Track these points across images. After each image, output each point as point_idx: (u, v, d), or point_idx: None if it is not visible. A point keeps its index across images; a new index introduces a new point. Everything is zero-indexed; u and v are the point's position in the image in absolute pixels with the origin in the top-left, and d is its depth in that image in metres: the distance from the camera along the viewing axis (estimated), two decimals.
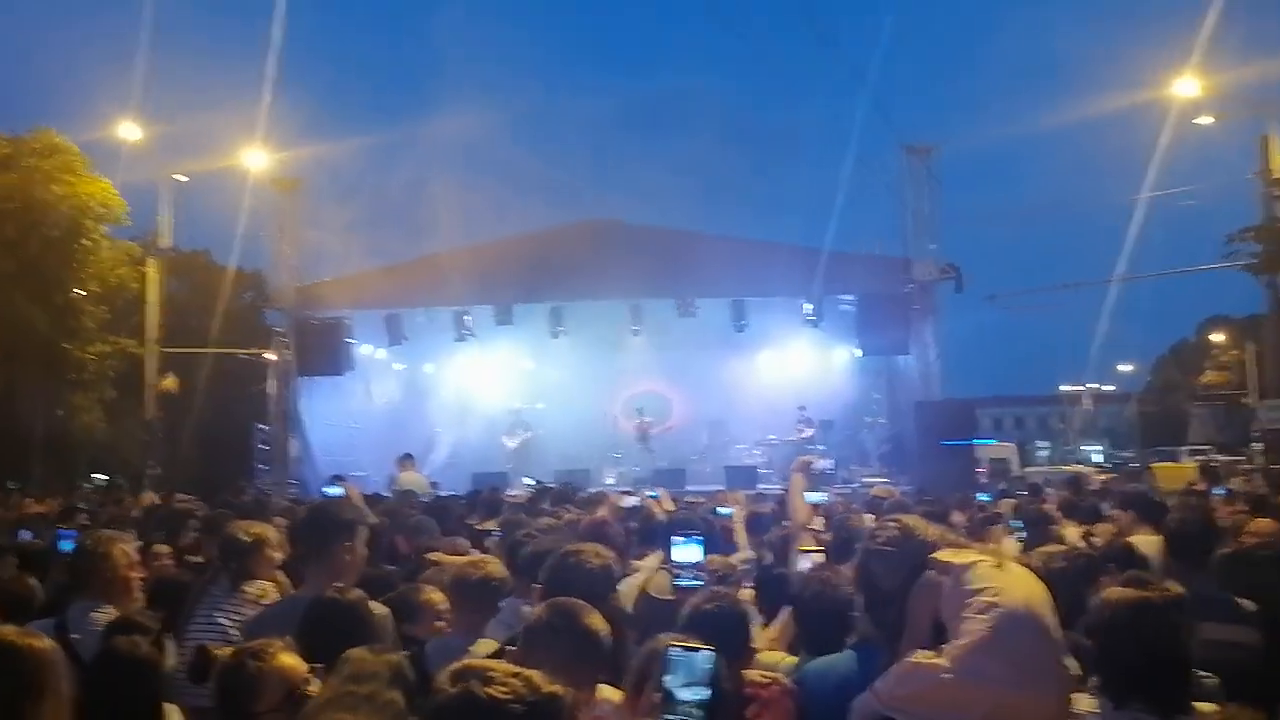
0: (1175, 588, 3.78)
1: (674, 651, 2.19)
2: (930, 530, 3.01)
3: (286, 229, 22.55)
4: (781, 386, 24.04)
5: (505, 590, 4.14)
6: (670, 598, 3.88)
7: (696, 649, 2.19)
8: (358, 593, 3.44)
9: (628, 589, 4.67)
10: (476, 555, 4.74)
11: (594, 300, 21.17)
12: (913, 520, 3.11)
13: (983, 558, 2.80)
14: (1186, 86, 22.54)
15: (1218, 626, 3.95)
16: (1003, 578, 2.71)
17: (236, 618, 4.11)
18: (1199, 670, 3.42)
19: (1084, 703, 2.86)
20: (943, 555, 2.81)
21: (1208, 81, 22.45)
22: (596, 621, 2.61)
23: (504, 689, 1.55)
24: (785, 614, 3.99)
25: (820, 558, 4.20)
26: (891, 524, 3.06)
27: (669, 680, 2.16)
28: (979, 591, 2.65)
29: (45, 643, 2.55)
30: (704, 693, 2.14)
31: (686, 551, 4.31)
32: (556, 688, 1.61)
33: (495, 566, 4.17)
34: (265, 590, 4.34)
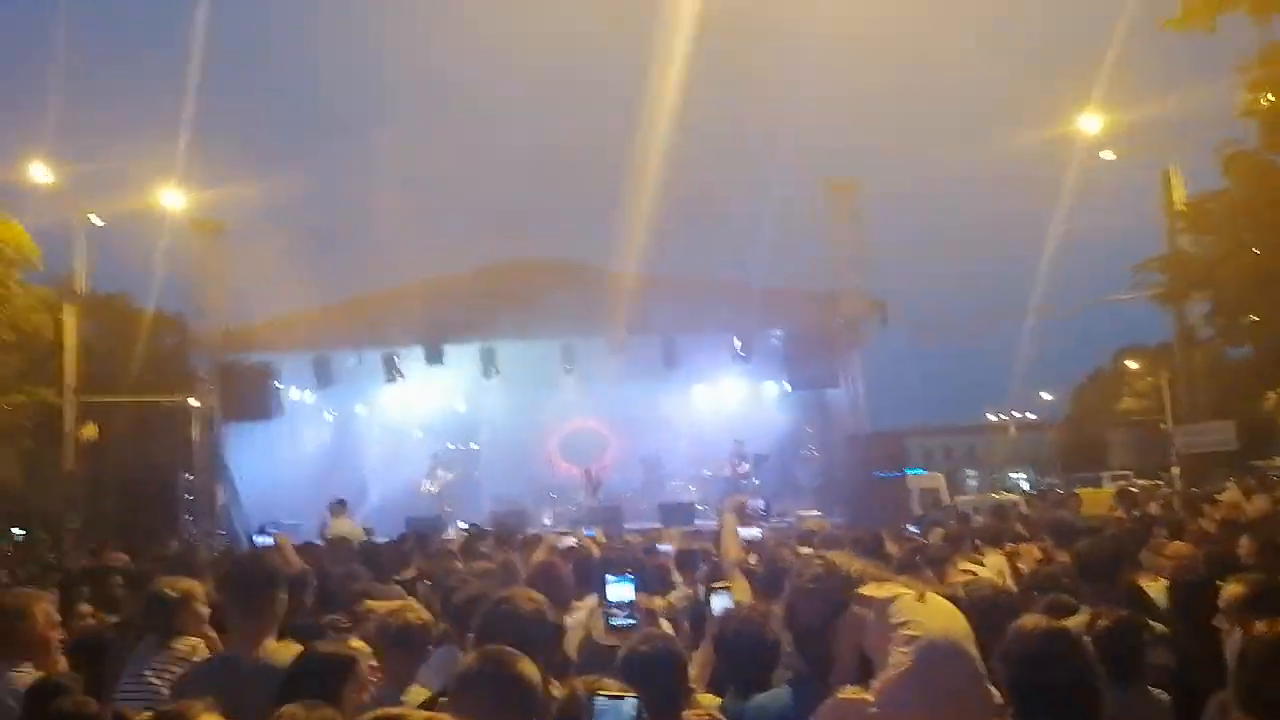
0: (1110, 613, 3.93)
1: (600, 701, 2.21)
2: (854, 565, 3.10)
3: (210, 271, 22.18)
4: (714, 422, 24.21)
5: (430, 636, 4.11)
6: (614, 643, 3.89)
7: (621, 696, 2.22)
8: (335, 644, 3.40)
9: (571, 636, 4.66)
10: (400, 602, 4.69)
11: (525, 339, 21.14)
12: (837, 556, 3.20)
13: (904, 591, 2.89)
14: (1090, 122, 23.46)
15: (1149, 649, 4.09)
16: (923, 610, 2.80)
17: (167, 676, 4.02)
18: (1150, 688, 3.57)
19: None
20: (866, 590, 2.90)
21: (1111, 118, 23.39)
22: (527, 669, 2.61)
23: None
24: (702, 650, 4.03)
25: (736, 595, 4.24)
26: (816, 561, 3.14)
27: None
28: (901, 625, 2.74)
29: None
30: None
31: (619, 590, 4.31)
32: None
33: (418, 613, 4.14)
34: (195, 647, 4.25)
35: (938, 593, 3.02)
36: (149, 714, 2.92)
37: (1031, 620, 3.10)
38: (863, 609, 2.83)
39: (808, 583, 3.05)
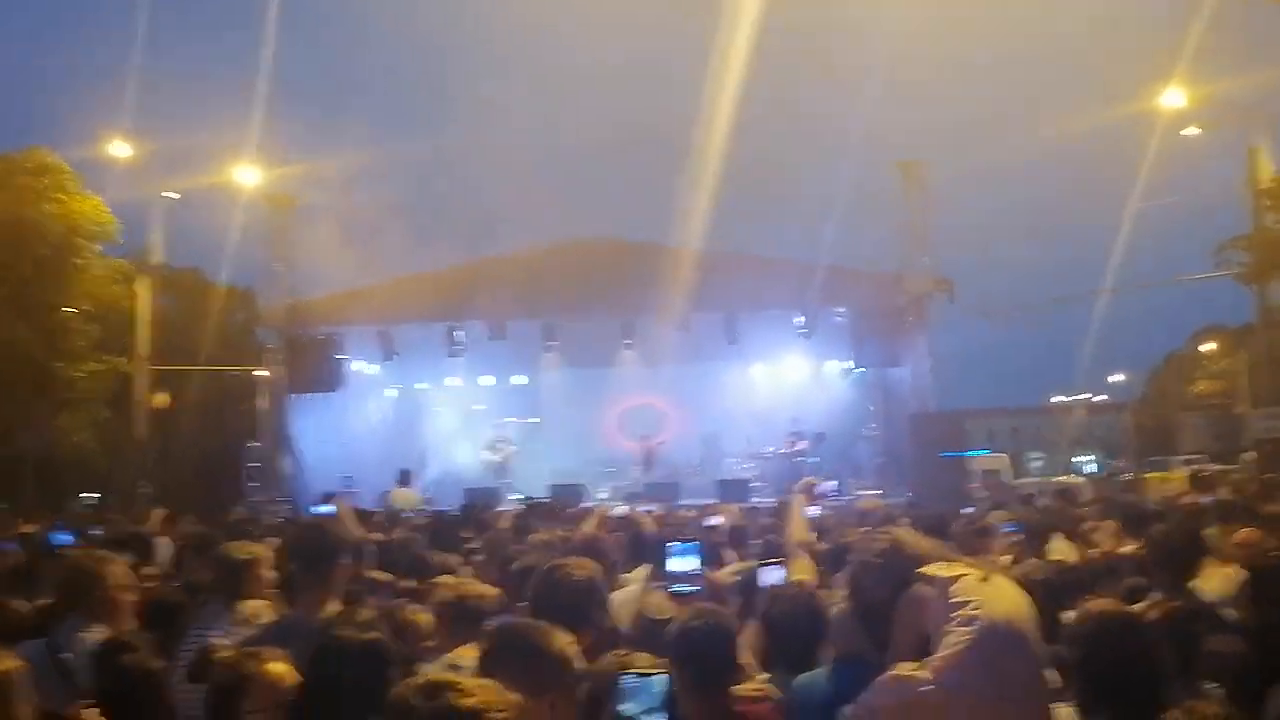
0: (1165, 601, 3.84)
1: (629, 678, 2.20)
2: (921, 543, 3.07)
3: (279, 246, 22.59)
4: (774, 400, 24.12)
5: (488, 609, 4.16)
6: (668, 617, 3.89)
7: (650, 674, 2.21)
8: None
9: (624, 609, 4.68)
10: (459, 576, 4.74)
11: (587, 316, 21.23)
12: (903, 533, 3.16)
13: (969, 571, 2.85)
14: (1173, 98, 22.73)
15: (1213, 638, 4.00)
16: (986, 591, 2.76)
17: (233, 637, 4.13)
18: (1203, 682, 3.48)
19: (1063, 713, 2.91)
20: (930, 569, 2.87)
21: (1194, 93, 22.64)
22: (549, 642, 2.57)
23: (476, 699, 1.59)
24: (752, 626, 4.03)
25: (798, 575, 4.22)
26: (882, 537, 3.12)
27: (626, 707, 2.18)
28: (963, 604, 2.71)
29: (7, 664, 2.59)
30: (661, 717, 2.16)
31: (682, 561, 4.32)
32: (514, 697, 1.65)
33: (475, 586, 4.18)
34: (259, 611, 4.35)
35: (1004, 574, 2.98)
36: (231, 651, 3.08)
37: (1099, 604, 3.04)
38: (926, 587, 2.81)
39: (874, 557, 3.03)
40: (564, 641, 2.59)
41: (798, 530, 4.93)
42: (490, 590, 4.22)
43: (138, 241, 26.65)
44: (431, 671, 1.71)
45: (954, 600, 2.73)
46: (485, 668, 2.55)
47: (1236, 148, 23.32)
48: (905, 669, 2.69)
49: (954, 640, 2.66)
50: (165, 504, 19.53)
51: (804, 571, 4.47)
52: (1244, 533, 6.05)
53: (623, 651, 2.53)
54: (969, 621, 2.67)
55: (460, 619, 4.05)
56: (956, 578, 2.78)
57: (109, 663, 3.67)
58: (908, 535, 3.14)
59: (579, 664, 2.61)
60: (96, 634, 4.06)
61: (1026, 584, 3.28)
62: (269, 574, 4.60)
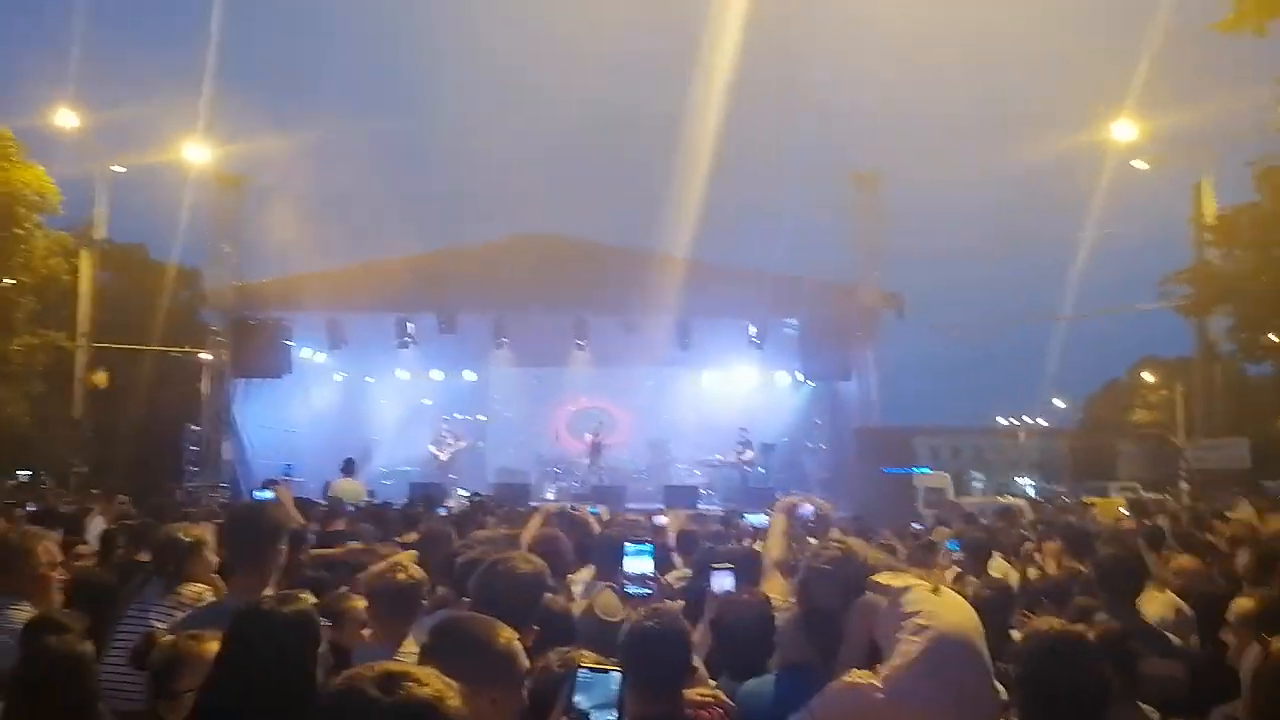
0: (1108, 622, 3.89)
1: (584, 673, 2.17)
2: (871, 553, 3.08)
3: (227, 226, 22.19)
4: (724, 408, 24.20)
5: (420, 594, 4.09)
6: (618, 619, 3.84)
7: (606, 670, 2.18)
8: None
9: (573, 609, 4.63)
10: (388, 561, 4.67)
11: (538, 313, 21.11)
12: (855, 543, 3.17)
13: (919, 582, 2.87)
14: (1124, 130, 23.21)
15: (1153, 661, 4.05)
16: (937, 602, 2.77)
17: (171, 619, 4.02)
18: (1140, 703, 3.52)
19: None
20: (881, 578, 2.88)
21: (1145, 126, 23.13)
22: (493, 635, 2.53)
23: (431, 689, 1.54)
24: (701, 630, 4.01)
25: (772, 595, 4.21)
26: (834, 545, 3.12)
27: (579, 700, 2.14)
28: (913, 614, 2.72)
29: None
30: (612, 714, 2.14)
31: (638, 561, 4.29)
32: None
33: (408, 571, 4.12)
34: (201, 593, 4.25)
35: (951, 587, 2.99)
36: (170, 638, 3.03)
37: (1048, 621, 3.07)
38: (876, 596, 2.81)
39: (824, 564, 3.03)
40: (508, 636, 2.54)
41: (776, 547, 4.89)
42: (420, 575, 4.14)
43: (82, 215, 26.08)
44: (384, 663, 1.67)
45: (905, 610, 2.75)
46: (427, 661, 2.49)
47: (1185, 181, 23.88)
48: (856, 676, 2.69)
49: (905, 649, 2.67)
50: (99, 483, 19.15)
51: (777, 591, 4.43)
52: (1183, 560, 6.17)
53: (568, 649, 2.48)
54: (920, 631, 2.69)
55: (392, 604, 3.98)
56: (908, 588, 2.80)
57: (34, 642, 3.55)
58: (859, 544, 3.15)
59: (523, 659, 2.57)
60: (24, 612, 3.93)
61: (973, 601, 3.32)
62: (213, 557, 4.50)
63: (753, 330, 21.57)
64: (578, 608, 4.42)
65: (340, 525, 8.41)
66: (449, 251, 22.22)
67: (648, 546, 4.35)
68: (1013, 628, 4.42)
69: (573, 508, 9.15)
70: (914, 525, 10.86)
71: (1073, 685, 2.78)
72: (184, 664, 2.87)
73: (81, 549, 6.14)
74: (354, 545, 5.72)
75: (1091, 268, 29.47)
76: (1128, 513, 12.26)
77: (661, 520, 8.18)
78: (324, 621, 3.04)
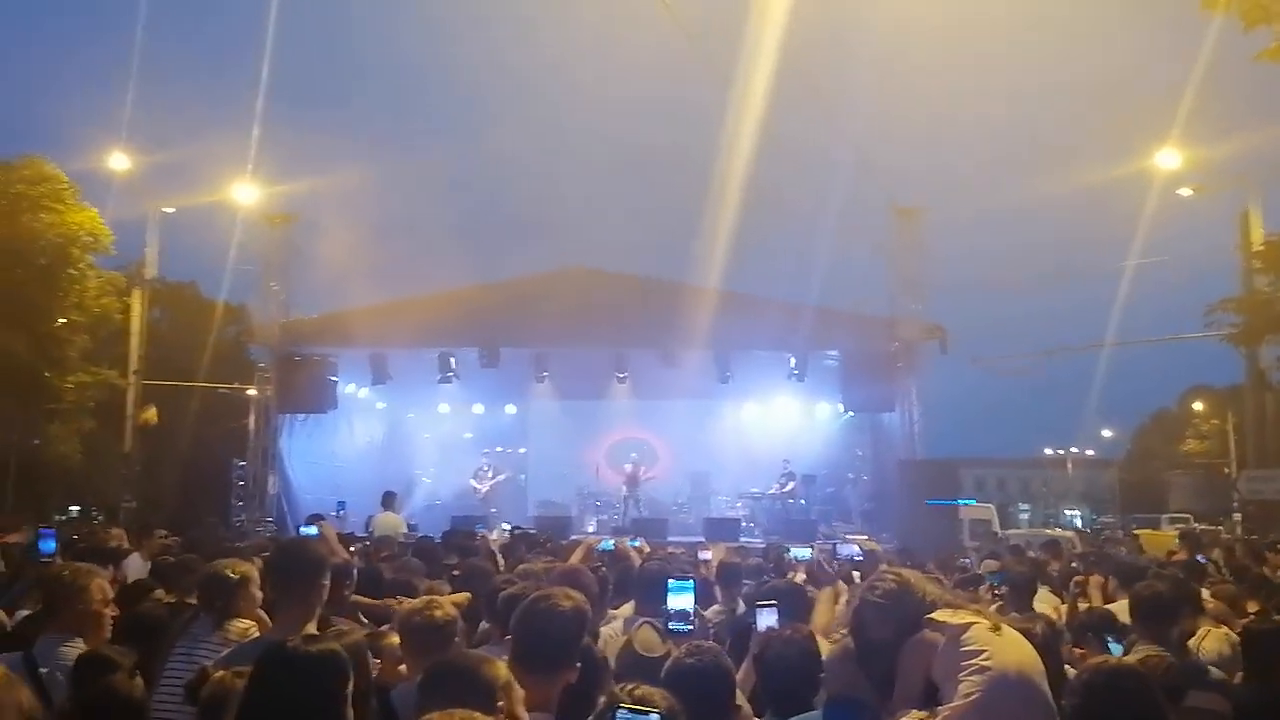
0: (1156, 654, 3.81)
1: (622, 714, 2.17)
2: (928, 588, 3.02)
3: (274, 264, 22.54)
4: (765, 440, 24.08)
5: (456, 630, 4.10)
6: (658, 654, 3.82)
7: (646, 711, 2.17)
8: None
9: (611, 644, 4.61)
10: (426, 598, 4.69)
11: (579, 347, 21.18)
12: (910, 574, 3.12)
13: (980, 619, 2.81)
14: (1168, 158, 22.94)
15: (1196, 694, 3.97)
16: (998, 642, 2.72)
17: (217, 656, 4.06)
18: None
19: None
20: (940, 615, 2.83)
21: (1190, 154, 22.84)
22: (486, 671, 2.62)
23: None
24: (745, 666, 3.98)
25: (776, 614, 4.17)
26: (890, 576, 3.07)
27: None
28: (974, 654, 2.67)
29: None
30: None
31: (680, 599, 4.27)
32: None
33: (444, 608, 4.13)
34: (248, 629, 4.28)
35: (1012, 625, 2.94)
36: (220, 673, 3.09)
37: (1104, 657, 3.01)
38: (935, 634, 2.76)
39: (879, 598, 2.98)
40: (501, 671, 2.58)
41: (822, 618, 4.81)
42: (454, 612, 4.15)
43: (133, 255, 26.64)
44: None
45: (966, 649, 2.69)
46: (423, 695, 2.54)
47: (1231, 209, 23.51)
48: (915, 717, 2.65)
49: (966, 690, 2.62)
50: (147, 519, 19.40)
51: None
52: (1230, 593, 6.02)
53: (628, 686, 2.50)
54: (981, 671, 2.64)
55: (425, 641, 3.99)
56: (968, 625, 2.74)
57: (87, 679, 3.60)
58: (915, 577, 3.09)
59: (514, 689, 2.62)
60: (75, 649, 3.99)
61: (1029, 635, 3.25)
62: (259, 593, 4.53)
63: (793, 362, 21.44)
64: (617, 644, 4.40)
65: (386, 556, 8.46)
66: (491, 286, 22.35)
67: (689, 582, 4.33)
68: (1066, 663, 4.34)
69: (614, 541, 9.14)
70: (961, 560, 10.69)
71: (1125, 715, 2.73)
72: (232, 699, 2.90)
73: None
74: (392, 601, 5.71)
75: (1136, 298, 29.03)
76: (1180, 545, 11.98)
77: (706, 555, 8.12)
78: (374, 660, 3.08)
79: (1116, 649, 4.41)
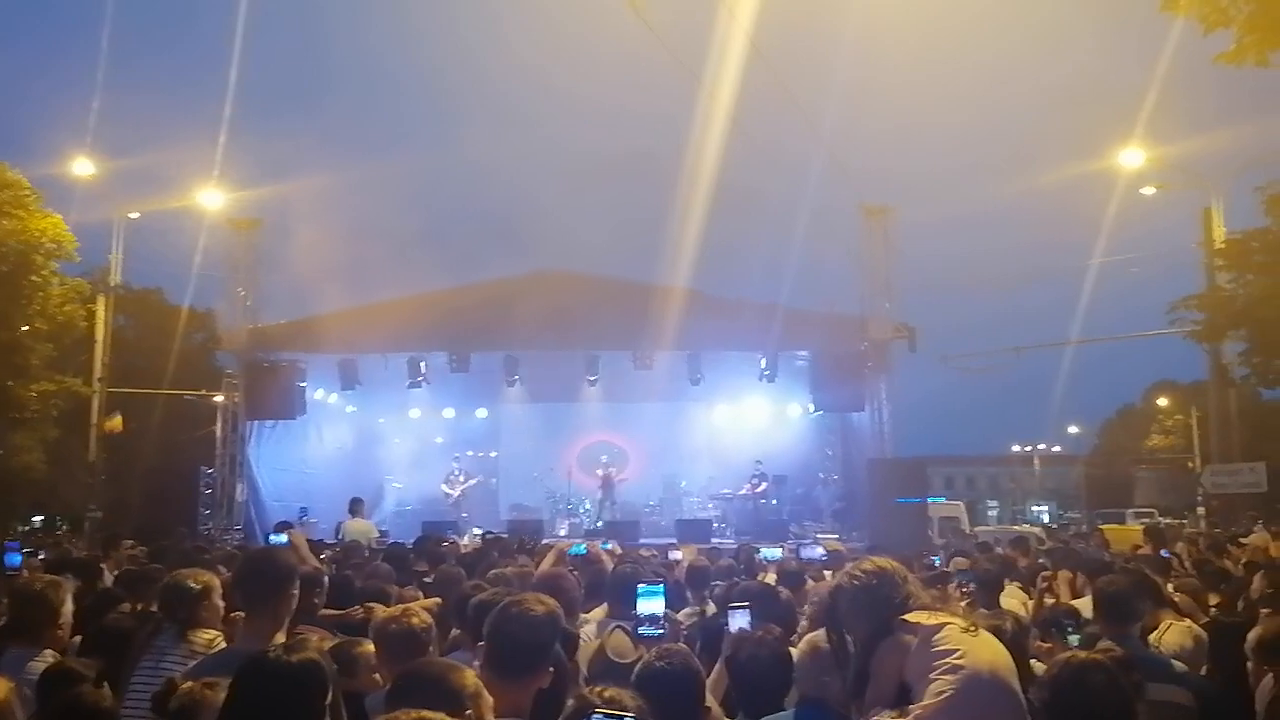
0: (1115, 649, 3.87)
1: (598, 718, 2.19)
2: (907, 578, 3.02)
3: (241, 269, 22.34)
4: (736, 441, 24.18)
5: (432, 638, 4.10)
6: (629, 660, 3.84)
7: (620, 714, 2.20)
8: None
9: (584, 649, 4.62)
10: (401, 606, 4.69)
11: (549, 350, 21.15)
12: (890, 564, 3.12)
13: (953, 620, 2.84)
14: (1132, 157, 23.27)
15: (1160, 687, 4.03)
16: (971, 642, 2.75)
17: (184, 667, 4.03)
18: None
19: None
20: (913, 616, 2.85)
21: (1153, 153, 23.21)
22: (455, 679, 2.66)
23: None
24: (718, 669, 4.00)
25: (749, 616, 4.20)
26: (869, 563, 3.08)
27: None
28: (947, 654, 2.70)
29: None
30: None
31: (650, 603, 4.29)
32: None
33: (420, 615, 4.13)
34: (213, 640, 4.25)
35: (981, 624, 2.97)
36: (189, 684, 3.06)
37: (1071, 652, 3.06)
38: (909, 636, 2.79)
39: (857, 581, 2.98)
40: (469, 679, 2.63)
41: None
42: (429, 620, 4.15)
43: (97, 261, 26.33)
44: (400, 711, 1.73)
45: (938, 649, 2.72)
46: (390, 703, 2.56)
47: (1194, 207, 23.87)
48: (887, 717, 2.68)
49: (938, 689, 2.65)
50: (113, 528, 19.17)
51: None
52: (1192, 586, 6.13)
53: (598, 688, 2.51)
54: (954, 670, 2.67)
55: (400, 650, 3.98)
56: (940, 626, 2.77)
57: (54, 693, 3.57)
58: (894, 565, 3.10)
59: (482, 696, 2.65)
60: (44, 661, 3.95)
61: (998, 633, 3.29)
62: (220, 603, 4.51)
63: (763, 363, 21.56)
64: (589, 648, 4.42)
65: (356, 563, 8.42)
66: (461, 289, 22.20)
67: (659, 587, 4.35)
68: (1033, 657, 4.40)
69: (586, 545, 9.16)
70: (930, 557, 10.79)
71: (1101, 712, 2.77)
72: (201, 711, 2.91)
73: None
74: (358, 610, 5.69)
75: (1102, 296, 29.46)
76: (1145, 539, 12.15)
77: (677, 555, 8.15)
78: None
79: (1075, 640, 4.48)
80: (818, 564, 7.53)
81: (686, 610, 6.37)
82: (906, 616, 2.86)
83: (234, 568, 5.30)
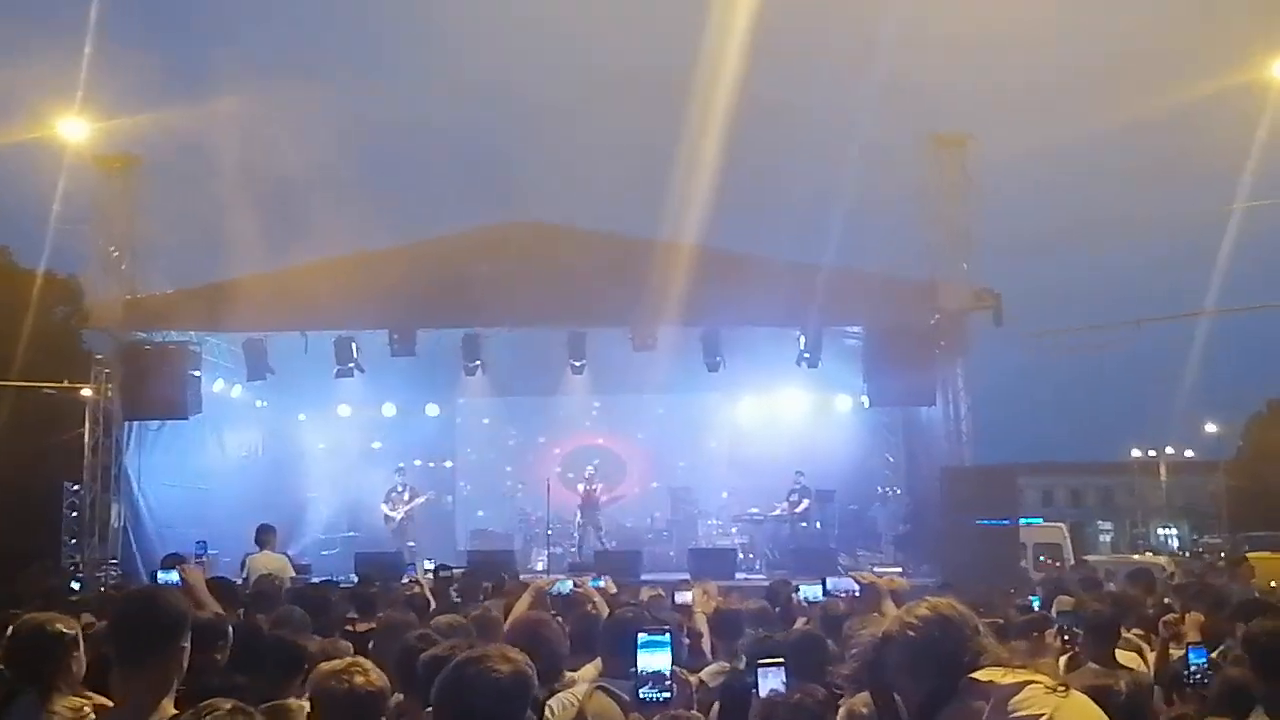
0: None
1: None
2: (976, 628, 3.01)
3: (115, 223, 22.28)
4: (767, 446, 24.21)
5: (385, 704, 4.11)
6: None
7: None
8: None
9: (566, 713, 4.64)
10: (354, 659, 4.70)
11: (522, 326, 21.13)
12: (951, 606, 3.10)
13: (1037, 678, 2.83)
14: None
15: None
16: (1060, 706, 2.74)
17: None
18: None
19: None
20: (984, 674, 2.84)
21: None
22: None
23: None
24: None
25: (783, 674, 4.22)
26: (926, 606, 3.07)
27: None
28: None
29: None
30: None
31: (653, 657, 4.30)
32: None
33: (367, 675, 4.14)
34: (80, 710, 4.26)
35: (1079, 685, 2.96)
36: None
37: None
38: (978, 700, 2.78)
39: (909, 629, 2.98)
40: None
41: None
42: (383, 681, 4.16)
43: None
44: None
45: (1016, 716, 2.72)
46: None
47: None
48: None
49: None
50: None
51: None
52: None
53: None
54: None
55: (347, 714, 3.99)
56: (1020, 686, 2.76)
57: None
58: (958, 609, 3.09)
59: None
60: None
61: (1101, 699, 3.28)
62: (81, 660, 4.52)
63: (803, 342, 21.52)
64: (566, 717, 4.43)
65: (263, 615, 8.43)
66: (407, 249, 22.19)
67: (664, 637, 4.36)
68: None
69: (572, 582, 9.18)
70: (1022, 598, 10.82)
71: None
72: None
73: None
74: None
75: (1246, 252, 29.35)
76: None
77: (686, 597, 8.17)
78: None
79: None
80: (846, 599, 7.59)
81: (712, 668, 6.41)
82: (976, 675, 2.85)
83: (110, 613, 5.31)
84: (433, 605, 9.15)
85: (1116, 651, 6.78)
